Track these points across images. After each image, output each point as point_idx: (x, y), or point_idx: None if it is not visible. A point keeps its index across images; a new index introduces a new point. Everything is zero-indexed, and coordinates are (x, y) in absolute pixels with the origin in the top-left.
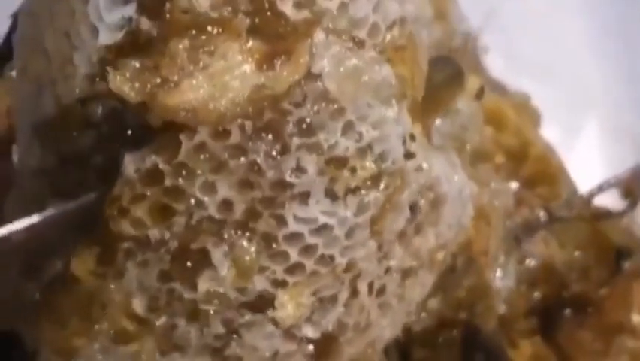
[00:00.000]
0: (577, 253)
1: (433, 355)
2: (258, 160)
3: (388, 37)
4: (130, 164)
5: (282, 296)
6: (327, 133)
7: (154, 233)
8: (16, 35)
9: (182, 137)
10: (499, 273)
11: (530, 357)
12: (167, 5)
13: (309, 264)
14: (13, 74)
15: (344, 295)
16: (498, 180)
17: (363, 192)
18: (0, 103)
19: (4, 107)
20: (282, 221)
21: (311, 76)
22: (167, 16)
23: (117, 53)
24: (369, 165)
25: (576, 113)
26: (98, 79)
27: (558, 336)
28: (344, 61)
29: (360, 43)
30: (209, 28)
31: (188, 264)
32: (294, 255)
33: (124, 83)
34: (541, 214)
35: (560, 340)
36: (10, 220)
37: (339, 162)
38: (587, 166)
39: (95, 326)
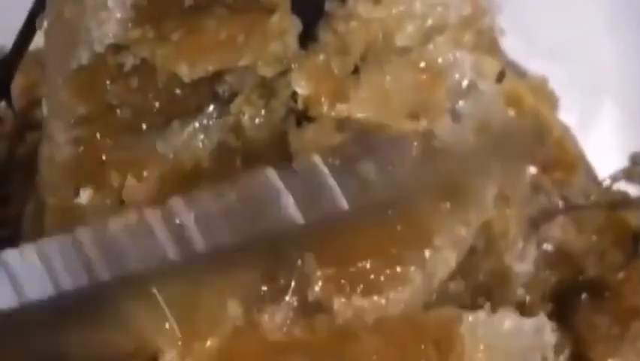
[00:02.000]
0: (594, 237)
1: None
2: None
3: None
4: None
5: None
6: None
7: None
8: None
9: None
10: (518, 257)
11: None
12: None
13: None
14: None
15: None
16: (518, 163)
17: None
18: (17, 82)
19: (19, 86)
20: None
21: None
22: None
23: None
24: None
25: (593, 96)
26: (130, 24)
27: (574, 320)
28: None
29: None
30: None
31: None
32: None
33: None
34: (559, 202)
35: (577, 324)
36: None
37: None
38: (604, 149)
39: None
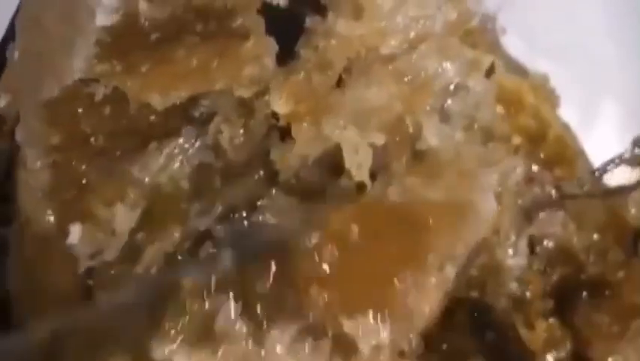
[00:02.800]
0: (595, 236)
1: (445, 336)
2: None
3: None
4: None
5: None
6: None
7: None
8: (19, 17)
9: None
10: (510, 251)
11: (546, 339)
12: None
13: None
14: None
15: None
16: (509, 158)
17: None
18: None
19: None
20: None
21: None
22: None
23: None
24: None
25: (594, 94)
26: (96, 60)
27: (575, 318)
28: None
29: None
30: None
31: None
32: None
33: None
34: (553, 192)
35: (577, 322)
36: None
37: None
38: (605, 147)
39: None
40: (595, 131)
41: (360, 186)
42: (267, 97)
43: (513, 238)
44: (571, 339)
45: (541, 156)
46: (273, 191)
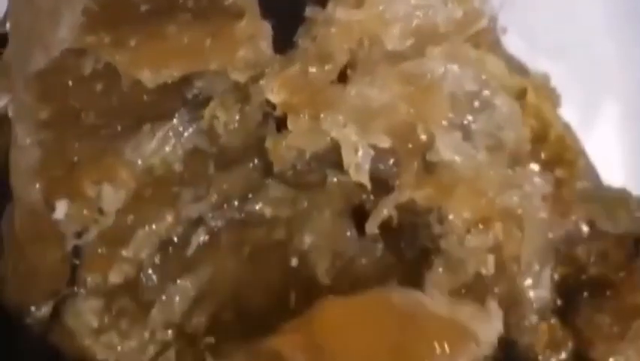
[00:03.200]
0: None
1: None
2: None
3: None
4: None
5: None
6: None
7: None
8: None
9: None
10: (532, 282)
11: (548, 340)
12: None
13: None
14: None
15: None
16: (532, 183)
17: None
18: None
19: None
20: None
21: None
22: None
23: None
24: None
25: (594, 93)
26: (83, 31)
27: (576, 319)
28: None
29: None
30: None
31: None
32: None
33: None
34: (584, 228)
35: (578, 323)
36: None
37: None
38: (606, 146)
39: None
40: (595, 130)
41: (361, 186)
42: (262, 82)
43: (537, 267)
44: (572, 340)
45: (542, 156)
46: (269, 181)
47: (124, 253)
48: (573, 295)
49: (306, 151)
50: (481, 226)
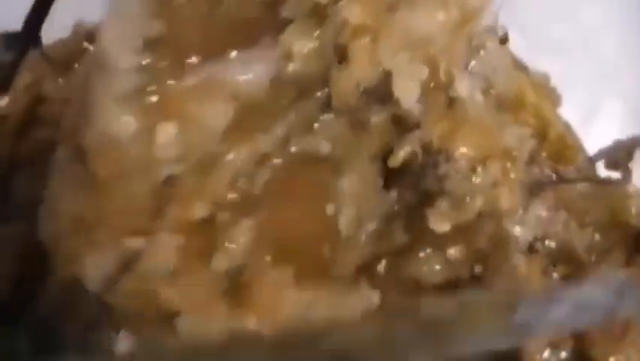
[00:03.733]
0: (597, 236)
1: None
2: None
3: None
4: None
5: None
6: None
7: None
8: None
9: None
10: (518, 223)
11: (548, 340)
12: None
13: None
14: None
15: None
16: (520, 130)
17: None
18: (20, 80)
19: (23, 83)
20: None
21: None
22: None
23: None
24: None
25: (595, 92)
26: None
27: None
28: None
29: None
30: None
31: None
32: None
33: None
34: (552, 175)
35: None
36: None
37: None
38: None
39: None
40: (596, 129)
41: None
42: (341, 3)
43: (520, 210)
44: (573, 339)
45: (543, 155)
46: (324, 116)
47: (211, 184)
48: None
49: (363, 82)
50: (483, 165)
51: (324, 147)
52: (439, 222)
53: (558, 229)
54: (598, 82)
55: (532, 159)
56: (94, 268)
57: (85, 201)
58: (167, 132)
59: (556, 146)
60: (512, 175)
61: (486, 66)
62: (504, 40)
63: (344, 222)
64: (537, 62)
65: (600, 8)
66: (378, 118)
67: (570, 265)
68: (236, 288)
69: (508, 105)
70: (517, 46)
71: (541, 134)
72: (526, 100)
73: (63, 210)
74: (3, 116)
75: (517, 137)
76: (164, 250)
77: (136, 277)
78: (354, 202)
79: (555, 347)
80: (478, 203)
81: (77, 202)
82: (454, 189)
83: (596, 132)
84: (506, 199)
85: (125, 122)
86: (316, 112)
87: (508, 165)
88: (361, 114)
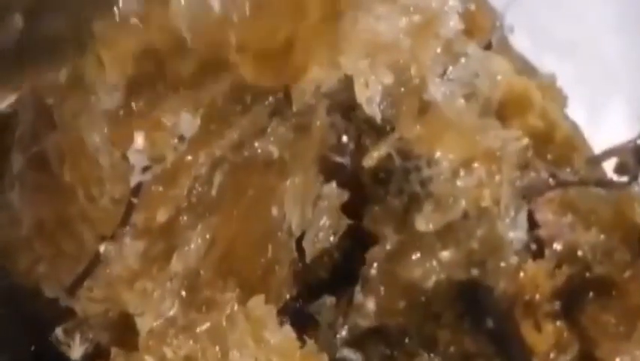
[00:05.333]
0: (601, 236)
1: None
2: None
3: None
4: None
5: None
6: None
7: None
8: None
9: None
10: (510, 225)
11: (554, 342)
12: None
13: None
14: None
15: None
16: (508, 132)
17: None
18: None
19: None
20: None
21: None
22: None
23: None
24: None
25: (602, 92)
26: None
27: (581, 319)
28: None
29: None
30: None
31: None
32: None
33: None
34: (549, 179)
35: (584, 322)
36: None
37: None
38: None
39: None
40: (602, 129)
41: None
42: None
43: (512, 213)
44: (578, 339)
45: (549, 157)
46: (275, 120)
47: (174, 190)
48: (579, 295)
49: (321, 87)
50: (466, 167)
51: (274, 151)
52: (425, 223)
53: (565, 232)
54: (605, 82)
55: (526, 164)
56: (57, 273)
57: (48, 208)
58: (138, 142)
59: (562, 148)
60: (497, 177)
61: (467, 72)
62: (488, 46)
63: (293, 222)
64: (544, 63)
65: (607, 9)
66: (319, 121)
67: (575, 265)
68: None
69: (507, 109)
70: (524, 46)
71: (548, 137)
72: (533, 102)
73: (24, 217)
74: None
75: (501, 139)
76: (127, 255)
77: (100, 282)
78: (299, 202)
79: (562, 347)
80: (462, 204)
81: (39, 209)
82: (437, 192)
83: (602, 132)
84: (489, 200)
85: (100, 136)
86: (267, 117)
87: (493, 167)
88: (308, 117)
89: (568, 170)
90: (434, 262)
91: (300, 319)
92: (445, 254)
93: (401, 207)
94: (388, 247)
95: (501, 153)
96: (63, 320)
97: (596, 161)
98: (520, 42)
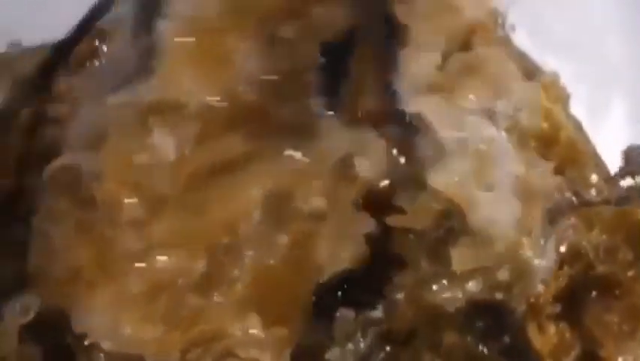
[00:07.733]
0: (604, 235)
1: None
2: None
3: None
4: None
5: None
6: None
7: None
8: None
9: None
10: (539, 254)
11: (557, 344)
12: None
13: None
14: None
15: None
16: (542, 164)
17: None
18: None
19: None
20: None
21: None
22: None
23: None
24: None
25: (603, 90)
26: None
27: (585, 319)
28: None
29: None
30: None
31: None
32: None
33: None
34: (572, 198)
35: (587, 322)
36: None
37: None
38: (615, 143)
39: None
40: (604, 128)
41: None
42: None
43: (542, 242)
44: (581, 339)
45: (553, 158)
46: None
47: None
48: (581, 294)
49: None
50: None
51: None
52: (462, 264)
53: (568, 233)
54: (606, 82)
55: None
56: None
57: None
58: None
59: (567, 149)
60: (535, 211)
61: (510, 104)
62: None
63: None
64: (546, 62)
65: (609, 7)
66: None
67: (577, 264)
68: None
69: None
70: (525, 45)
71: (552, 138)
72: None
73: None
74: (16, 112)
75: (542, 175)
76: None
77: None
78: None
79: (565, 347)
80: (500, 248)
81: (79, 254)
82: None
83: (604, 132)
84: (528, 245)
85: None
86: None
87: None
88: None
89: (592, 189)
90: (460, 292)
91: None
92: (472, 284)
93: (435, 237)
94: (418, 274)
95: (538, 189)
96: None
97: (614, 181)
98: (521, 41)
